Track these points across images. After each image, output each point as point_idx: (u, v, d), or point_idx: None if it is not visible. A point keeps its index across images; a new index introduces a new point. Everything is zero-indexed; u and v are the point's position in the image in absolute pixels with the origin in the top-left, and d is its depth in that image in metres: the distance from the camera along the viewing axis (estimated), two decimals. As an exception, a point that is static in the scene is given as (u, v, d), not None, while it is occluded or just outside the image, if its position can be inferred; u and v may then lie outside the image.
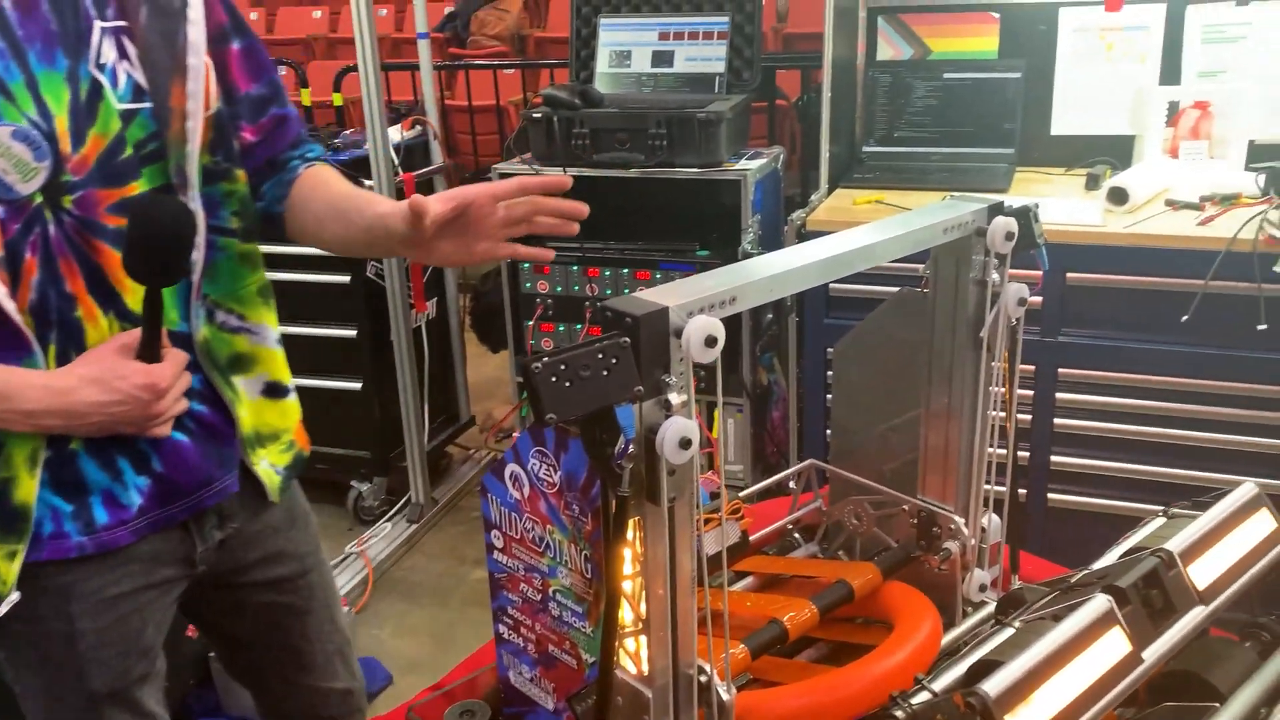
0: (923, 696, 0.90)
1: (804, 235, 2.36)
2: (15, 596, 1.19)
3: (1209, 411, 2.21)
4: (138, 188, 1.16)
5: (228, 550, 1.37)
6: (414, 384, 3.24)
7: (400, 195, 3.14)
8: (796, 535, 1.61)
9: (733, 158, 2.59)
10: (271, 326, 1.36)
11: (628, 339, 0.94)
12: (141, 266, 1.10)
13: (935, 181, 2.60)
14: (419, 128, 3.31)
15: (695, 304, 0.99)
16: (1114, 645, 0.92)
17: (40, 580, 1.21)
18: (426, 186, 3.34)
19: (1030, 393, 2.35)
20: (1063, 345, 2.29)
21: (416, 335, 3.29)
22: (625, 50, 2.78)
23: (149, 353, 1.15)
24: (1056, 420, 2.34)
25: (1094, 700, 0.89)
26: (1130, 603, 0.96)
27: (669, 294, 1.00)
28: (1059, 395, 2.33)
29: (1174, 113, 2.52)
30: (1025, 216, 1.31)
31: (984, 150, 2.73)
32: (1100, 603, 0.93)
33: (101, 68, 1.14)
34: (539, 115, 2.55)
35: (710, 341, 0.97)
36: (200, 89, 1.19)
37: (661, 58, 2.75)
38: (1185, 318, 2.13)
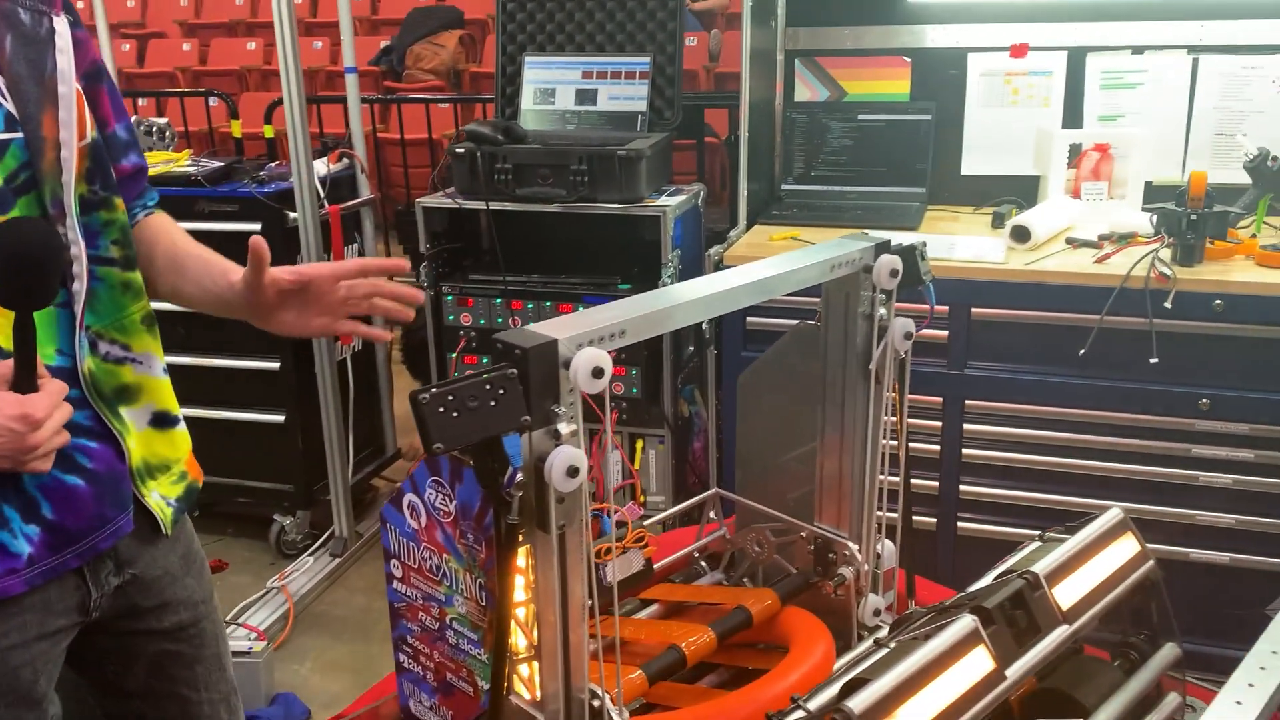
0: (797, 715, 0.93)
1: (721, 269, 2.42)
2: None
3: (1108, 442, 2.29)
4: (3, 219, 1.13)
5: (123, 596, 1.33)
6: (338, 417, 3.23)
7: (325, 227, 3.15)
8: (703, 563, 1.65)
9: (653, 194, 2.64)
10: (157, 355, 1.34)
11: (515, 370, 0.97)
12: (6, 290, 1.07)
13: (849, 219, 2.67)
14: (346, 160, 3.32)
15: (584, 336, 1.03)
16: (978, 663, 0.96)
17: None
18: (353, 219, 3.35)
19: (938, 424, 2.42)
20: (969, 378, 2.37)
21: (342, 367, 3.28)
22: (550, 88, 2.83)
23: (23, 383, 1.10)
24: (964, 450, 2.41)
25: (958, 715, 0.93)
26: (995, 623, 1.00)
27: (559, 327, 1.03)
28: (966, 426, 2.40)
29: (1076, 154, 2.63)
30: (911, 255, 1.37)
31: (897, 189, 2.82)
32: (966, 623, 0.98)
33: None
34: (463, 150, 2.58)
35: (597, 372, 1.01)
36: (73, 118, 1.18)
37: (585, 96, 2.81)
38: (1082, 351, 2.22)
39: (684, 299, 1.13)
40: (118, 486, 1.27)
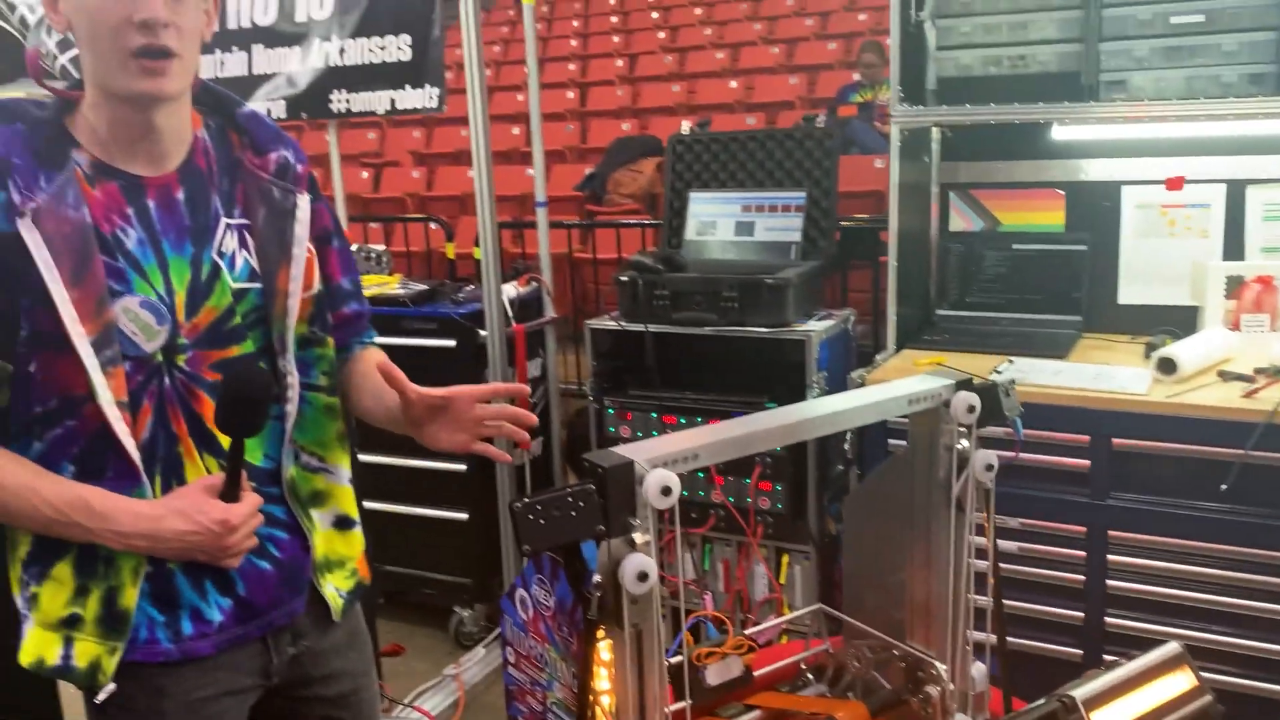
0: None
1: (863, 393, 2.53)
2: (112, 687, 1.41)
3: (1255, 580, 2.22)
4: (239, 350, 1.44)
5: (298, 665, 1.58)
6: (514, 517, 3.48)
7: (510, 345, 3.46)
8: (809, 675, 1.74)
9: (802, 318, 2.79)
10: (345, 467, 1.61)
11: (594, 486, 1.15)
12: (227, 422, 1.35)
13: (1000, 345, 2.73)
14: (534, 284, 3.65)
15: (659, 458, 1.20)
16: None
17: (139, 679, 1.43)
18: (538, 336, 3.66)
19: (1083, 553, 2.40)
20: (1112, 508, 2.36)
21: (520, 471, 3.55)
22: (711, 220, 3.06)
23: (230, 493, 1.37)
24: (1109, 581, 2.38)
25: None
26: (1024, 742, 1.08)
27: (640, 449, 1.21)
28: (1110, 557, 2.38)
29: (1236, 286, 2.60)
30: (991, 392, 1.46)
31: (1052, 316, 2.85)
32: (991, 738, 1.06)
33: (222, 255, 1.43)
34: (626, 278, 2.83)
35: (666, 491, 1.17)
36: (301, 273, 1.48)
37: (743, 227, 3.02)
38: (1224, 486, 2.18)
39: (757, 428, 1.28)
40: (298, 574, 1.53)
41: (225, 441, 1.38)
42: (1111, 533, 2.37)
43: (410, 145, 8.91)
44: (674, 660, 1.41)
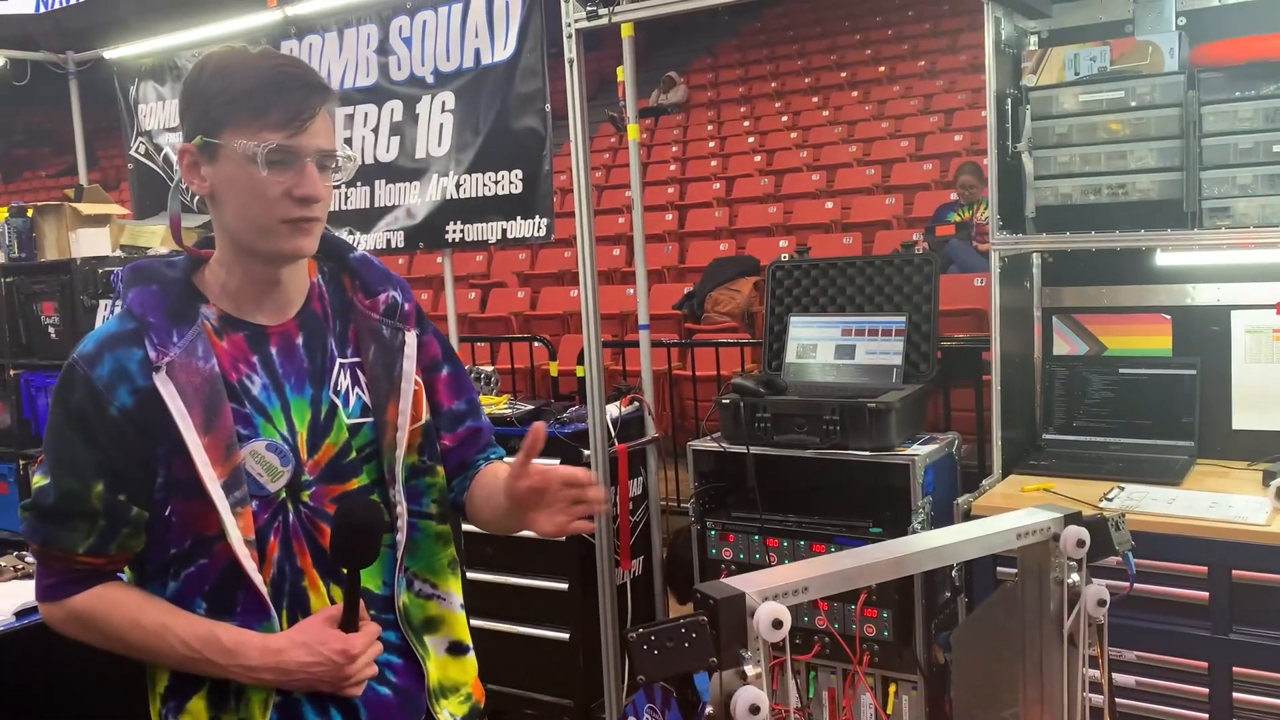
0: None
1: (969, 519, 2.50)
2: None
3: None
4: (356, 483, 1.50)
5: None
6: (616, 638, 3.49)
7: (613, 463, 3.53)
8: (919, 812, 1.71)
9: (905, 442, 2.80)
10: (457, 593, 1.65)
11: (705, 619, 1.19)
12: (342, 553, 1.42)
13: (1109, 472, 2.69)
14: (635, 403, 3.74)
15: (770, 591, 1.23)
16: None
17: None
18: (639, 456, 3.72)
19: (1205, 690, 2.31)
20: (1235, 643, 2.27)
21: (621, 591, 3.57)
22: (812, 344, 3.11)
23: (348, 624, 1.43)
24: (1236, 722, 2.28)
25: None
26: None
27: (751, 581, 1.24)
28: (1236, 695, 2.28)
29: (1359, 412, 2.53)
30: (1102, 526, 1.46)
31: (1163, 442, 2.80)
32: None
33: (338, 393, 1.51)
34: (728, 400, 2.89)
35: (777, 624, 1.20)
36: (409, 406, 1.54)
37: (844, 351, 3.06)
38: (1357, 624, 2.10)
39: (865, 562, 1.31)
40: (415, 700, 1.57)
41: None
42: (1236, 669, 2.28)
43: (516, 266, 9.24)
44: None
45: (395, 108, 4.01)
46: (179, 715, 1.47)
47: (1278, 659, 2.23)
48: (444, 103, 3.82)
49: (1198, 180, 2.50)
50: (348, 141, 4.22)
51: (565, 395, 4.87)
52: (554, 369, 5.39)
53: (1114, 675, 2.40)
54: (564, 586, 3.54)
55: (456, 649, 1.64)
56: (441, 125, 3.83)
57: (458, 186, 3.79)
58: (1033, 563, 1.48)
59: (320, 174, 1.43)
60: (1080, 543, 1.42)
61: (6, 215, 4.55)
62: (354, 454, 1.51)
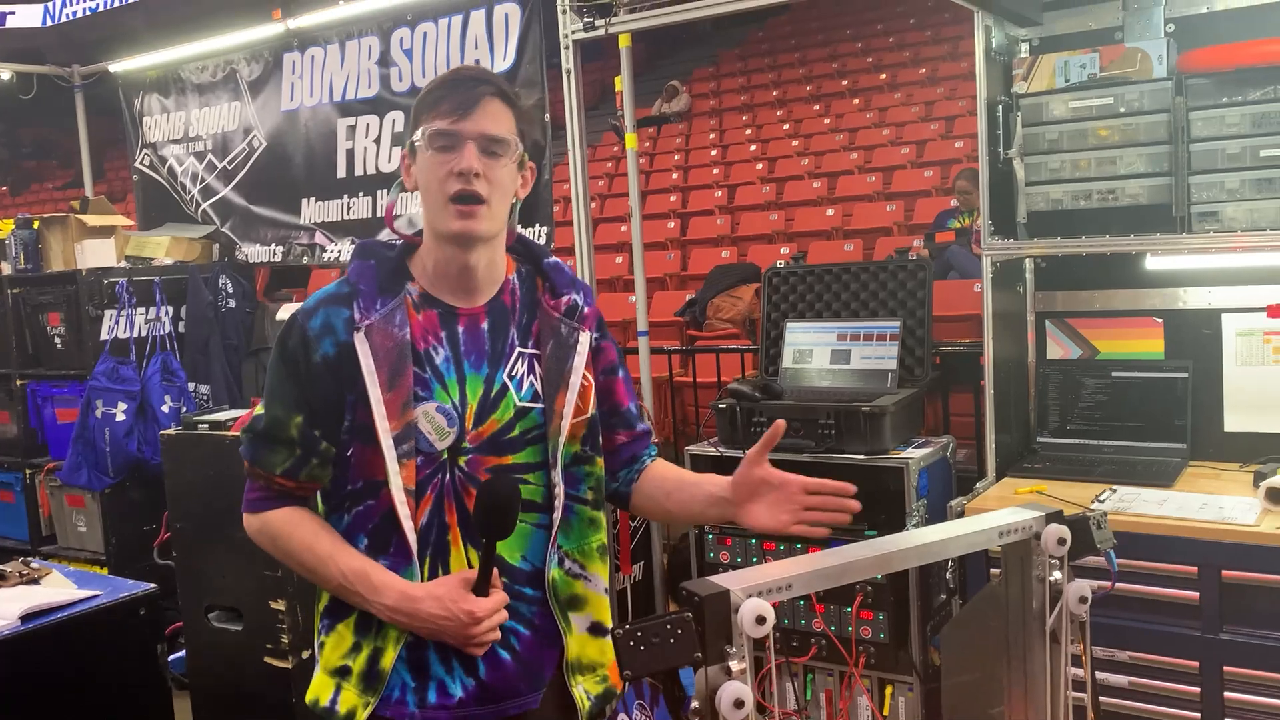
0: None
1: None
2: None
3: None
4: (513, 459, 1.63)
5: None
6: (616, 642, 3.52)
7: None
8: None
9: (900, 445, 2.83)
10: (603, 578, 1.75)
11: (690, 614, 1.22)
12: (481, 524, 1.54)
13: (1102, 474, 2.71)
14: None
15: (753, 588, 1.26)
16: None
17: None
18: (638, 461, 3.75)
19: (1197, 689, 2.33)
20: (1225, 643, 2.29)
21: (621, 596, 3.60)
22: (808, 349, 3.14)
23: (480, 588, 1.56)
24: (1227, 721, 2.30)
25: None
26: None
27: (735, 578, 1.27)
28: (1228, 694, 2.30)
29: (1349, 413, 2.55)
30: (1083, 525, 1.49)
31: (1155, 445, 2.82)
32: None
33: (511, 377, 1.65)
34: (724, 405, 2.92)
35: (760, 620, 1.23)
36: (574, 398, 1.67)
37: (839, 356, 3.09)
38: (1344, 622, 2.12)
39: (849, 559, 1.34)
40: (536, 671, 1.67)
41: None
42: (1227, 668, 2.30)
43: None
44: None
45: (397, 118, 4.06)
46: (329, 633, 1.65)
47: (1268, 658, 2.26)
48: (444, 113, 3.86)
49: (1186, 185, 2.53)
50: (349, 153, 4.26)
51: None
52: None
53: (1106, 675, 2.42)
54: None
55: (597, 629, 1.73)
56: (442, 135, 3.87)
57: (458, 196, 3.82)
58: (1015, 561, 1.51)
59: (487, 158, 1.58)
60: (1061, 540, 1.45)
61: (13, 227, 4.59)
62: (516, 432, 1.64)
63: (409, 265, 1.68)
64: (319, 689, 1.65)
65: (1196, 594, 2.32)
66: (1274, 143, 2.43)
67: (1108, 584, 1.54)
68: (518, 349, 1.67)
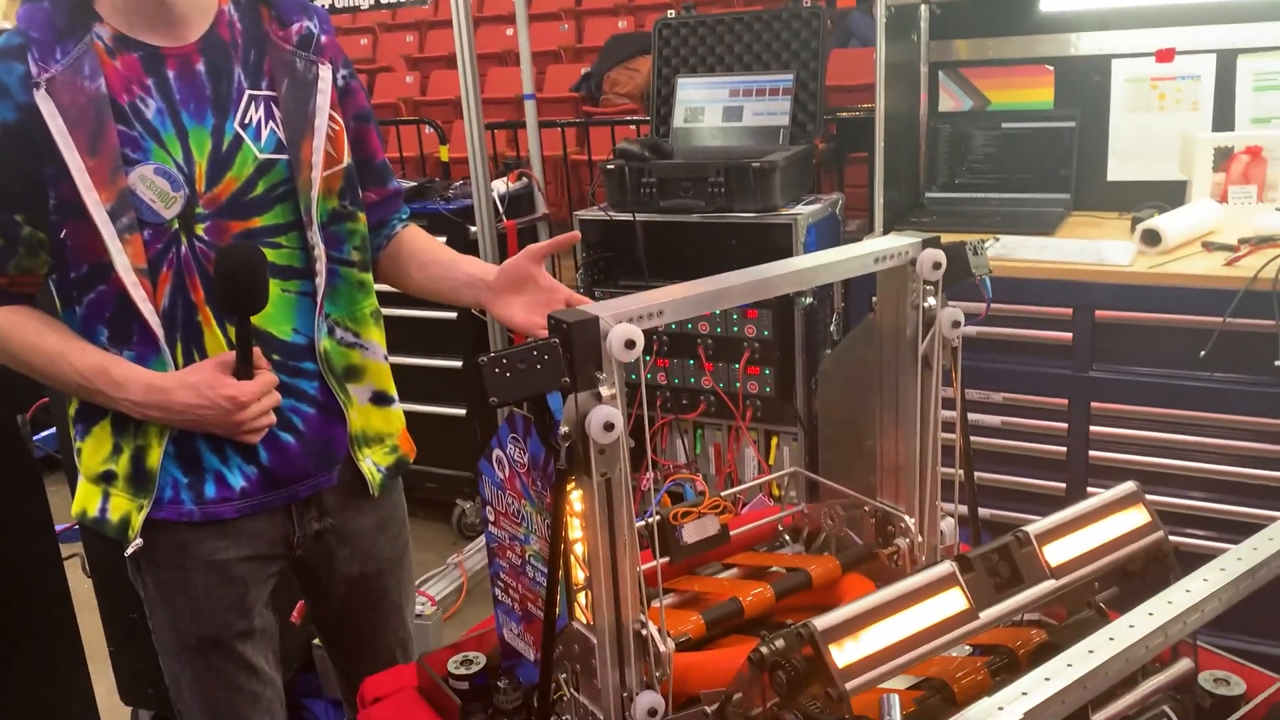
0: (782, 635, 1.09)
1: (850, 274, 2.54)
2: (139, 542, 1.50)
3: (1234, 446, 2.26)
4: (262, 221, 1.47)
5: (323, 542, 1.64)
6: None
7: (502, 240, 3.47)
8: (786, 536, 1.80)
9: (790, 203, 2.79)
10: (380, 344, 1.64)
11: (557, 340, 1.18)
12: (225, 300, 1.41)
13: (988, 224, 2.73)
14: (524, 180, 3.65)
15: (623, 314, 1.22)
16: (952, 602, 1.09)
17: (165, 536, 1.52)
18: (529, 233, 3.66)
19: (1064, 425, 2.44)
20: (1094, 380, 2.39)
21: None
22: (699, 106, 3.03)
23: (241, 371, 1.42)
24: (1091, 453, 2.43)
25: (923, 642, 1.06)
26: (974, 570, 1.12)
27: (605, 306, 1.23)
28: (1093, 429, 2.42)
29: (1224, 158, 2.59)
30: (960, 251, 1.47)
31: (1040, 195, 2.85)
32: (944, 567, 1.10)
33: (246, 126, 1.45)
34: (613, 167, 2.82)
35: (630, 344, 1.20)
36: (323, 144, 1.49)
37: (731, 113, 3.00)
38: (1203, 353, 2.21)
39: (720, 286, 1.31)
40: (325, 449, 1.57)
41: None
42: (1094, 404, 2.40)
43: (403, 50, 8.78)
44: (653, 520, 1.45)
45: None
46: (85, 438, 1.51)
47: (1130, 391, 2.36)
48: None
49: (1084, -82, 2.43)
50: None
51: (461, 179, 4.72)
52: (444, 154, 5.20)
53: (981, 416, 2.52)
54: (458, 364, 3.55)
55: (381, 399, 1.64)
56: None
57: (322, -54, 3.50)
58: (891, 289, 1.50)
59: None
60: (936, 265, 1.44)
61: None
62: (261, 190, 1.46)
63: (93, 3, 1.41)
64: (85, 499, 1.53)
65: (1070, 335, 2.39)
66: None
67: (982, 309, 1.54)
68: (247, 92, 1.46)
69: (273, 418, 1.48)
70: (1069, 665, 0.89)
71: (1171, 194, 2.70)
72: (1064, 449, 2.46)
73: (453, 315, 3.46)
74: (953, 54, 2.96)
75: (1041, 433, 2.48)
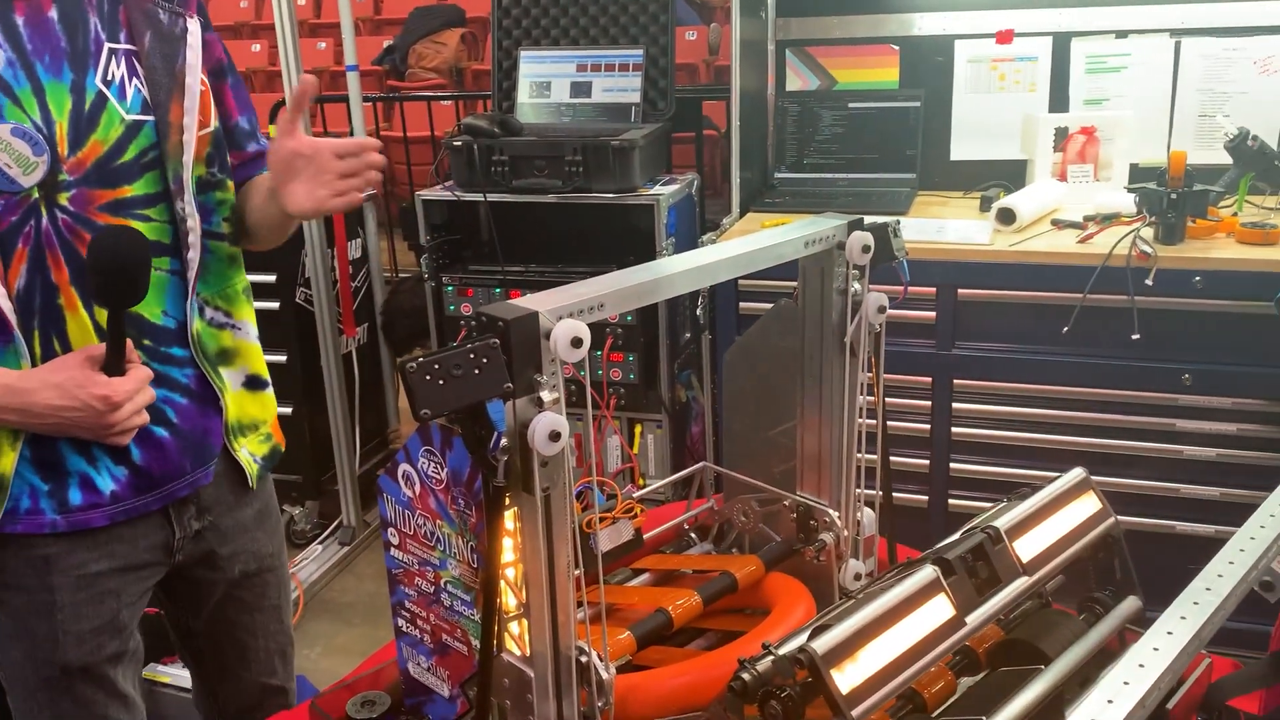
0: (767, 660, 0.99)
1: (714, 256, 2.47)
2: None
3: (1093, 418, 2.34)
4: (131, 190, 1.28)
5: (202, 541, 1.47)
6: (344, 408, 3.30)
7: (327, 223, 3.21)
8: (692, 535, 1.70)
9: (648, 183, 2.70)
10: (252, 323, 1.48)
11: (497, 340, 1.03)
12: (101, 291, 1.21)
13: (840, 205, 2.72)
14: (348, 157, 3.38)
15: (565, 309, 1.08)
16: (939, 610, 1.02)
17: (22, 551, 1.30)
18: (355, 215, 3.41)
19: (928, 403, 2.47)
20: (957, 357, 2.42)
21: (347, 360, 3.35)
22: (545, 81, 2.89)
23: (113, 366, 1.23)
24: (954, 429, 2.47)
25: (918, 657, 0.98)
26: (956, 573, 1.06)
27: (542, 301, 1.09)
28: (955, 405, 2.45)
29: (1062, 138, 2.68)
30: (883, 232, 1.42)
31: (888, 175, 2.87)
32: (927, 572, 1.04)
33: (109, 83, 1.26)
34: (459, 143, 2.64)
35: (576, 342, 1.07)
36: (195, 106, 1.31)
37: (580, 89, 2.86)
38: (1066, 329, 2.27)
39: (662, 274, 1.19)
40: (201, 442, 1.40)
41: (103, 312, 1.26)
42: (956, 381, 2.44)
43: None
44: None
45: None
46: None
47: (990, 367, 2.41)
48: None
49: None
50: None
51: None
52: (273, 131, 4.82)
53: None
54: (282, 359, 3.26)
55: (255, 383, 1.49)
56: None
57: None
58: (814, 272, 1.43)
59: None
60: (865, 248, 1.38)
61: None
62: (131, 155, 1.28)
63: None
64: None
65: (934, 314, 2.40)
66: None
67: (900, 291, 1.50)
68: (106, 45, 1.29)
69: (145, 416, 1.30)
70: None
71: (1012, 172, 2.77)
72: (927, 425, 2.49)
73: (274, 304, 3.18)
74: (799, 32, 2.94)
75: (906, 410, 2.50)
